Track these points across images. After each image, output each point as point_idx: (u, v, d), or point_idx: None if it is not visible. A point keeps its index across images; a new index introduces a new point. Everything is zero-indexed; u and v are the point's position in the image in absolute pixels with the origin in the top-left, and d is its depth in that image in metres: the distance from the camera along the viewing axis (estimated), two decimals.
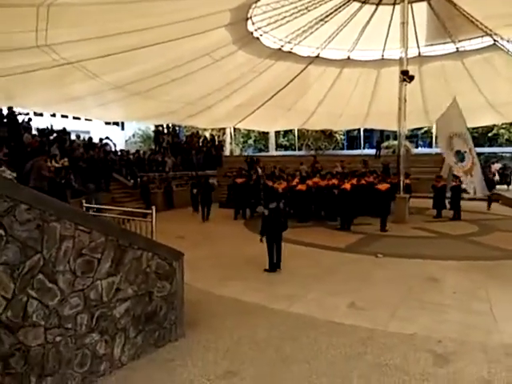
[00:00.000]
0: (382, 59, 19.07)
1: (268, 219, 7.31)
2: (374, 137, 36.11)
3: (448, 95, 19.05)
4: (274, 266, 7.31)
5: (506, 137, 33.25)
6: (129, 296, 4.06)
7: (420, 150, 34.73)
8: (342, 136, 38.29)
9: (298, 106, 21.75)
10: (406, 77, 13.33)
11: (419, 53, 18.36)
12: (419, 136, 38.39)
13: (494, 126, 31.31)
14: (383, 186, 11.96)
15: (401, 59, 13.89)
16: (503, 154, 32.24)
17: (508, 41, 15.77)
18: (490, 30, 15.44)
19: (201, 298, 5.64)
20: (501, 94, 18.35)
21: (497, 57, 16.62)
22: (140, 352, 4.13)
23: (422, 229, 11.58)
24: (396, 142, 21.17)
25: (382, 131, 34.04)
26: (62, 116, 25.10)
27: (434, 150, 30.46)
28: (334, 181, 12.63)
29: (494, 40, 16.05)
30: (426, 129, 33.87)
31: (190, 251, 4.83)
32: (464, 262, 7.84)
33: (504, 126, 31.43)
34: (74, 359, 3.55)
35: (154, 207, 5.71)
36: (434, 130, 31.52)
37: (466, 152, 13.51)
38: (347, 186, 11.76)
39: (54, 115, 24.27)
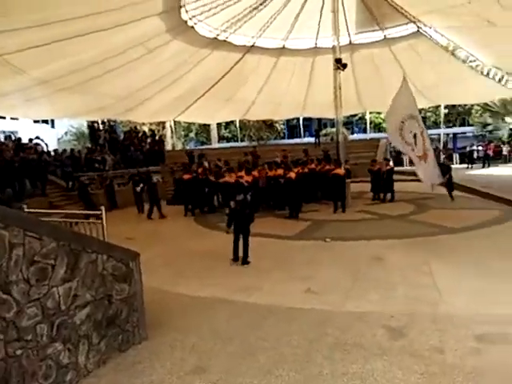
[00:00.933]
0: (316, 47, 19.56)
1: (235, 211, 7.35)
2: (313, 125, 37.19)
3: (379, 81, 20.14)
4: (243, 259, 7.32)
5: (432, 119, 35.68)
6: (87, 301, 3.92)
7: (356, 136, 36.35)
8: (282, 126, 38.99)
9: (237, 97, 21.75)
10: (340, 65, 13.75)
11: (350, 41, 19.05)
12: (354, 122, 40.14)
13: (422, 109, 33.43)
14: (341, 171, 12.59)
15: (333, 47, 14.30)
16: (431, 137, 34.58)
17: (430, 27, 16.84)
18: (414, 17, 16.38)
19: (159, 297, 5.57)
20: (426, 78, 19.58)
21: (420, 43, 17.70)
22: (105, 358, 4.02)
23: (364, 211, 12.19)
24: (333, 130, 21.99)
25: (319, 119, 35.16)
26: None
27: (368, 136, 32.09)
28: (280, 171, 12.89)
29: (418, 27, 17.07)
30: (360, 115, 35.47)
31: (142, 252, 4.72)
32: (405, 240, 8.40)
33: (430, 110, 33.66)
34: (39, 371, 3.39)
35: (103, 207, 5.51)
36: (367, 116, 33.20)
37: (416, 134, 12.56)
38: (292, 175, 12.07)
39: None
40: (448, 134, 36.06)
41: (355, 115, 35.22)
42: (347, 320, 4.72)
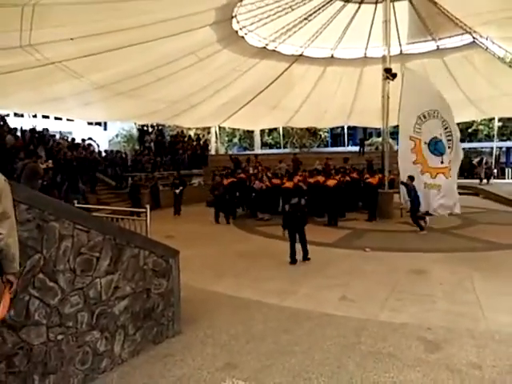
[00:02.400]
0: (365, 57, 19.38)
1: (288, 214, 7.77)
2: (358, 134, 36.59)
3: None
4: (303, 256, 7.74)
5: (485, 132, 34.10)
6: (127, 293, 4.10)
7: None
8: (326, 133, 38.69)
9: (282, 104, 21.94)
10: (389, 74, 13.57)
11: (401, 51, 18.71)
12: None
13: (474, 121, 32.08)
14: (374, 180, 12.48)
15: (383, 57, 14.15)
16: (482, 149, 33.04)
17: (486, 38, 16.21)
18: (470, 28, 15.85)
19: (196, 295, 5.70)
20: (479, 90, 18.84)
21: (476, 54, 17.07)
22: (139, 349, 4.18)
23: (406, 223, 11.84)
24: (379, 139, 21.56)
25: (365, 129, 34.57)
26: (43, 116, 24.72)
27: None
28: (320, 178, 12.82)
29: (474, 38, 16.48)
30: None
31: (181, 251, 4.88)
32: (449, 254, 8.10)
33: (483, 122, 32.22)
34: (76, 357, 3.58)
35: (148, 206, 5.76)
36: None
37: (441, 139, 9.96)
38: (330, 182, 12.00)
39: (35, 116, 23.88)
40: (501, 148, 34.26)
41: None
42: (382, 330, 4.62)
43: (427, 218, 10.10)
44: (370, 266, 7.44)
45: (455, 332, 4.51)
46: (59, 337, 3.45)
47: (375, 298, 5.71)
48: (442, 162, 9.85)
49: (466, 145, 36.74)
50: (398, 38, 17.85)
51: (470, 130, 35.83)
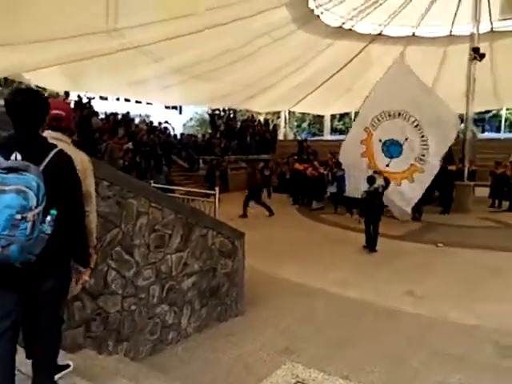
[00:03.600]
0: (451, 35, 17.92)
1: (365, 202, 7.71)
2: None
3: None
4: (372, 246, 7.70)
5: None
6: (195, 271, 4.30)
7: (487, 134, 32.61)
8: None
9: (356, 88, 21.09)
10: (477, 54, 12.51)
11: (491, 28, 17.05)
12: (486, 120, 36.02)
13: None
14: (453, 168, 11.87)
15: (471, 35, 13.04)
16: None
17: None
18: None
19: (259, 278, 5.81)
20: None
21: None
22: (204, 325, 4.39)
23: (485, 219, 11.00)
24: (461, 126, 20.03)
25: None
26: (125, 100, 26.26)
27: (502, 135, 28.53)
28: None
29: None
30: (494, 112, 31.70)
31: (247, 233, 4.98)
32: None
33: None
34: (146, 327, 3.85)
35: (217, 188, 5.94)
36: (503, 113, 29.53)
37: (404, 143, 9.14)
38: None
39: (118, 99, 25.45)
40: None
41: (489, 111, 31.55)
42: (452, 330, 4.39)
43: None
44: (441, 262, 7.05)
45: None
46: (133, 307, 3.72)
47: (446, 296, 5.41)
48: (387, 166, 9.17)
49: None
50: (489, 13, 16.23)
51: None
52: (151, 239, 3.83)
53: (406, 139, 9.28)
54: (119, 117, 17.15)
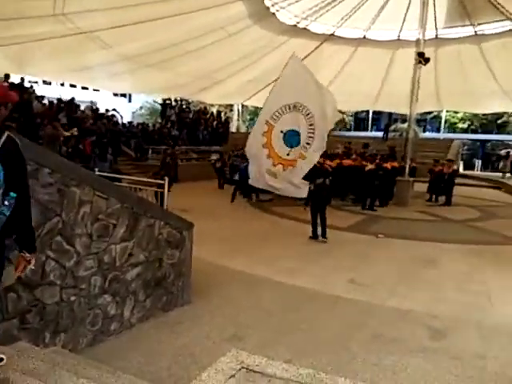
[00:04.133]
0: (399, 39, 18.73)
1: (313, 193, 7.97)
2: (382, 119, 35.93)
3: (462, 80, 18.91)
4: (319, 235, 8.02)
5: None
6: (140, 261, 4.23)
7: (428, 134, 34.53)
8: (350, 117, 38.04)
9: None
10: (422, 59, 13.17)
11: (436, 35, 18.01)
12: (428, 120, 38.14)
13: (505, 113, 31.00)
14: (371, 166, 12.34)
15: (418, 40, 13.71)
16: (510, 142, 32.04)
17: None
18: (511, 14, 15.09)
19: (207, 268, 5.82)
20: None
21: None
22: (148, 315, 4.33)
23: (423, 212, 11.72)
24: (404, 126, 21.10)
25: (390, 114, 33.81)
26: (71, 85, 25.06)
27: (441, 135, 30.37)
28: (357, 162, 13.14)
29: None
30: (435, 113, 33.63)
31: (196, 224, 4.97)
32: (464, 246, 7.99)
33: None
34: (87, 318, 3.74)
35: (166, 178, 5.85)
36: (443, 115, 31.39)
37: (300, 131, 9.59)
38: (370, 166, 12.20)
39: (62, 84, 24.24)
40: None
41: (430, 113, 33.41)
42: (389, 315, 4.66)
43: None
44: (381, 252, 7.44)
45: (462, 322, 4.51)
46: (72, 298, 3.59)
47: (384, 284, 5.73)
48: (287, 155, 9.46)
49: (494, 136, 35.84)
50: (435, 21, 17.12)
51: (499, 122, 34.76)
52: (94, 229, 3.72)
53: (301, 129, 9.56)
54: (63, 102, 16.33)
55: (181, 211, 7.02)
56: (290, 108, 9.63)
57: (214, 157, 15.73)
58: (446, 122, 33.40)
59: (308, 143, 9.21)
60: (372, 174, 12.09)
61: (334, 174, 11.35)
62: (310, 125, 9.32)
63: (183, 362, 3.49)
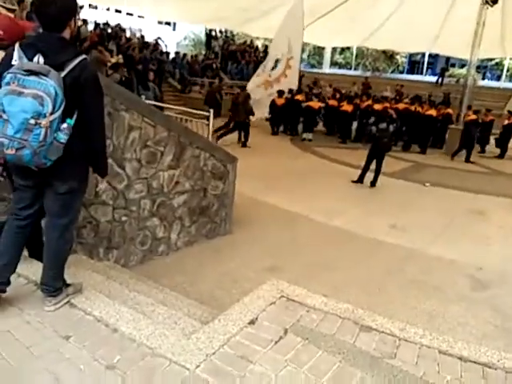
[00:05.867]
0: None
1: (375, 138, 7.73)
2: (439, 63, 33.38)
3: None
4: (372, 182, 7.77)
5: None
6: (186, 190, 4.32)
7: (487, 82, 31.98)
8: (403, 59, 35.60)
9: (361, 20, 20.05)
10: None
11: None
12: (488, 67, 35.15)
13: None
14: (433, 112, 12.03)
15: None
16: None
17: None
18: None
19: (248, 202, 5.89)
20: None
21: None
22: (193, 240, 4.52)
23: (474, 163, 11.14)
24: (462, 71, 19.58)
25: (447, 58, 31.32)
26: (116, 11, 24.60)
27: (502, 84, 28.04)
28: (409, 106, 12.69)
29: None
30: (497, 60, 30.84)
31: (240, 160, 4.97)
32: None
33: None
34: (137, 238, 3.94)
35: (211, 110, 5.79)
36: (506, 62, 28.76)
37: (281, 60, 12.41)
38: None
39: (108, 9, 23.82)
40: None
41: (492, 59, 30.68)
42: (430, 262, 4.61)
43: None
44: (427, 201, 7.22)
45: (506, 276, 4.40)
46: (123, 218, 3.77)
47: (427, 232, 5.61)
48: (269, 76, 12.59)
49: None
50: None
51: None
52: (143, 154, 3.78)
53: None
54: (109, 29, 16.13)
55: (223, 146, 7.06)
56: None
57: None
58: (508, 70, 30.63)
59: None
60: (427, 120, 11.67)
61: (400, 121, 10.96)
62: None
63: (225, 286, 3.65)
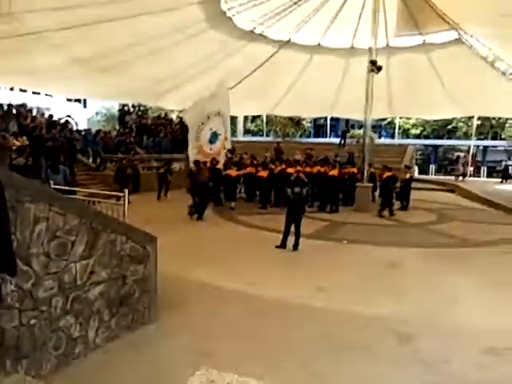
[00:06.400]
0: (352, 48, 19.33)
1: (290, 202, 8.05)
2: (340, 126, 36.86)
3: (413, 87, 19.78)
4: (294, 246, 7.94)
5: (463, 130, 34.84)
6: (103, 279, 4.04)
7: (383, 140, 35.78)
8: (309, 124, 38.77)
9: (267, 91, 21.70)
10: (375, 67, 13.60)
11: (387, 43, 18.71)
12: (383, 127, 39.57)
13: (454, 119, 32.68)
14: (335, 172, 13.04)
15: (370, 49, 14.15)
16: (461, 147, 33.81)
17: (471, 36, 16.33)
18: (456, 24, 15.92)
19: (173, 282, 5.63)
20: (462, 88, 19.09)
21: (461, 52, 17.22)
22: (114, 335, 4.14)
23: (383, 217, 12.04)
24: (361, 132, 21.70)
25: (347, 120, 34.77)
26: (21, 90, 23.84)
27: (396, 141, 31.53)
28: (320, 168, 13.42)
29: (459, 34, 16.59)
30: (389, 120, 34.95)
31: (159, 236, 4.82)
32: (423, 249, 8.28)
33: (463, 120, 32.90)
34: (49, 342, 3.52)
35: (126, 190, 5.65)
36: (397, 121, 32.66)
37: (220, 135, 13.84)
38: (334, 172, 12.81)
39: (12, 89, 23.03)
40: (478, 147, 35.22)
41: (384, 119, 34.72)
42: (356, 321, 4.71)
43: None
44: (346, 258, 7.56)
45: (427, 325, 4.65)
46: (32, 321, 3.37)
47: (350, 290, 5.82)
48: (210, 149, 13.65)
49: (445, 142, 37.76)
50: (386, 30, 17.81)
51: (449, 127, 36.63)
52: (52, 247, 3.51)
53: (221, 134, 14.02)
54: (13, 110, 15.47)
55: (143, 223, 6.84)
56: (215, 115, 13.63)
57: (176, 165, 15.41)
58: (399, 127, 34.74)
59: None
60: (337, 181, 12.52)
61: (312, 183, 11.55)
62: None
63: (152, 383, 3.34)
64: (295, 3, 16.27)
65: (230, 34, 16.50)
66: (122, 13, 11.88)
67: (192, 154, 13.16)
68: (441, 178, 25.82)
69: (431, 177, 26.63)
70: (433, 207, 13.97)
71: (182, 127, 23.98)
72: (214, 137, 13.82)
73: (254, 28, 17.25)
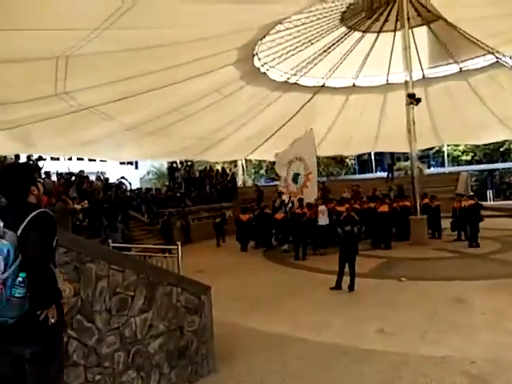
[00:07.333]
0: (387, 84, 19.45)
1: (342, 241, 8.01)
2: (385, 159, 36.25)
3: (457, 113, 19.33)
4: (350, 286, 7.74)
5: None
6: (161, 332, 4.13)
7: (433, 169, 34.68)
8: (352, 161, 38.48)
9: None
10: (413, 99, 13.57)
11: (423, 75, 18.68)
12: (430, 156, 38.44)
13: (506, 141, 31.21)
14: (385, 208, 12.55)
15: (406, 82, 14.19)
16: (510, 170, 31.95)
17: (510, 57, 15.96)
18: (492, 48, 15.69)
19: (228, 330, 5.63)
20: (508, 108, 18.41)
21: (501, 73, 16.81)
22: None
23: (442, 249, 11.46)
24: (407, 163, 21.25)
25: (392, 153, 34.20)
26: (78, 159, 25.82)
27: (447, 169, 30.46)
28: (371, 204, 13.22)
29: (496, 57, 16.29)
30: (437, 148, 33.97)
31: (213, 284, 4.89)
32: (489, 281, 7.74)
33: None
34: None
35: (179, 243, 5.86)
36: (445, 149, 31.66)
37: (301, 176, 15.01)
38: (384, 208, 12.34)
39: (70, 158, 24.98)
40: None
41: (431, 148, 33.75)
42: (423, 364, 4.41)
43: None
44: (406, 297, 7.19)
45: (502, 364, 4.26)
46: (97, 377, 3.48)
47: (414, 331, 5.49)
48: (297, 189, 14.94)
49: (500, 165, 35.91)
50: (420, 62, 17.86)
51: (502, 150, 34.93)
52: (113, 303, 3.68)
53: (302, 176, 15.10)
54: (73, 176, 16.75)
55: (196, 272, 6.99)
56: (297, 159, 15.12)
57: (226, 213, 15.96)
58: (448, 155, 33.64)
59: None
60: (387, 216, 12.18)
61: (362, 221, 11.29)
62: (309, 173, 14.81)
63: None
64: (325, 51, 16.87)
65: (267, 86, 17.26)
66: (162, 81, 12.83)
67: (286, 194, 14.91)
68: (500, 203, 24.37)
69: (490, 203, 25.22)
70: (495, 235, 13.12)
71: (227, 177, 24.80)
72: (296, 178, 15.33)
73: (288, 79, 17.94)
